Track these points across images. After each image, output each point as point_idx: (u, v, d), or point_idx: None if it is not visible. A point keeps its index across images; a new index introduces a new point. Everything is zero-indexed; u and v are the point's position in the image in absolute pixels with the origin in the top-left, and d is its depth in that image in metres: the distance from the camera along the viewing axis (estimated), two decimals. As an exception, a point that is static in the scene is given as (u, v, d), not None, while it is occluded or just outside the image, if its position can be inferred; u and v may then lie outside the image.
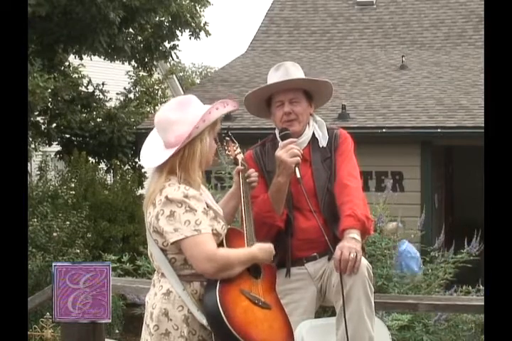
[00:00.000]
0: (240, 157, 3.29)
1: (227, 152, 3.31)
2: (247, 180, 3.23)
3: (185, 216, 2.80)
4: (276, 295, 3.06)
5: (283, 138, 3.35)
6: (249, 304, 2.86)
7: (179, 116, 2.88)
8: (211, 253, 2.78)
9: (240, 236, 3.01)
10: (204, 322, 2.80)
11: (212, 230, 2.86)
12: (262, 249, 2.97)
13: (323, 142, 3.47)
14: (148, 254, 3.01)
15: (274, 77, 3.48)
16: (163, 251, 2.87)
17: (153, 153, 2.96)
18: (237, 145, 3.33)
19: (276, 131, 3.51)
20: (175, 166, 2.88)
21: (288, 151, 3.25)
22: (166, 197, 2.82)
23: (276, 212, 3.35)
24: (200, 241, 2.78)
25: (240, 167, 3.25)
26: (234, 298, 2.82)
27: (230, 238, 2.95)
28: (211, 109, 2.90)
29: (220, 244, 2.88)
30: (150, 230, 2.89)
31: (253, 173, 3.28)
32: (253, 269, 2.95)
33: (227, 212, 3.18)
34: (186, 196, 2.82)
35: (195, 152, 2.88)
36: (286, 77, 3.43)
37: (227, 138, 3.31)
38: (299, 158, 3.26)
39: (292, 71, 3.48)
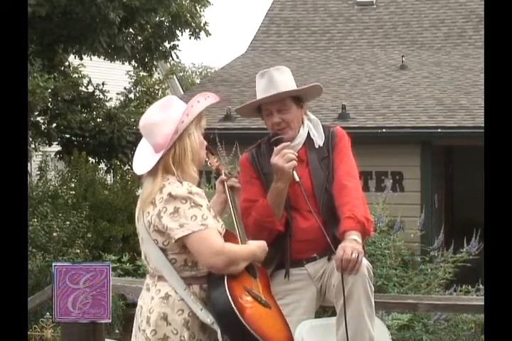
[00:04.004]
0: (221, 167, 3.32)
1: (208, 163, 3.30)
2: (233, 185, 3.28)
3: (191, 211, 2.79)
4: (272, 296, 3.07)
5: (275, 143, 3.33)
6: (254, 301, 2.88)
7: (163, 117, 2.89)
8: (220, 247, 2.78)
9: (233, 237, 3.03)
10: (208, 320, 2.79)
11: None
12: (258, 246, 2.99)
13: (319, 142, 3.44)
14: (142, 257, 2.99)
15: (258, 85, 3.45)
16: (163, 251, 2.85)
17: (143, 159, 2.96)
18: (216, 157, 3.35)
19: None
20: (169, 166, 2.87)
21: (283, 157, 3.23)
22: (169, 194, 2.81)
23: (276, 216, 3.34)
24: (208, 235, 2.78)
25: (223, 177, 3.28)
26: (241, 294, 2.83)
27: (227, 239, 2.96)
28: (192, 102, 2.91)
29: None
30: (149, 230, 2.87)
31: (234, 180, 3.31)
32: (251, 269, 2.97)
33: None
34: (190, 192, 2.81)
35: (186, 148, 2.88)
36: (270, 85, 3.38)
37: (206, 151, 3.30)
38: (295, 162, 3.24)
39: (276, 78, 3.41)
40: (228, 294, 2.76)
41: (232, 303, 2.75)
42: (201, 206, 2.81)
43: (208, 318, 2.79)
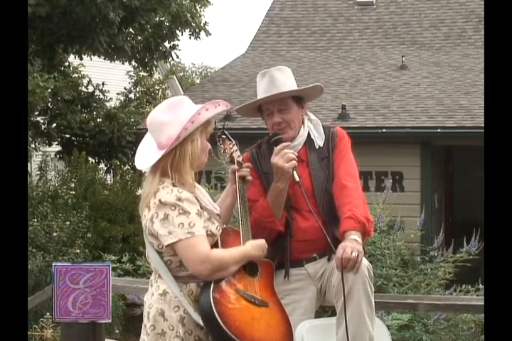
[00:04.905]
0: (235, 155, 3.29)
1: (223, 150, 3.30)
2: (244, 175, 3.24)
3: (179, 219, 2.81)
4: (274, 291, 3.07)
5: (275, 143, 3.33)
6: (245, 303, 2.88)
7: (170, 118, 2.89)
8: (205, 255, 2.80)
9: (237, 235, 3.03)
10: (201, 322, 2.82)
11: (207, 231, 2.88)
12: (255, 246, 2.99)
13: (319, 142, 3.45)
14: (146, 256, 3.04)
15: (259, 85, 3.45)
16: (159, 253, 2.89)
17: (145, 155, 2.97)
18: (234, 142, 3.33)
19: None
20: (167, 168, 2.89)
21: (283, 156, 3.23)
22: (160, 201, 2.84)
23: (276, 216, 3.35)
24: (194, 243, 2.80)
25: (235, 167, 3.26)
26: (229, 298, 2.84)
27: (227, 238, 2.97)
28: (201, 109, 2.91)
29: (215, 244, 2.90)
30: (146, 233, 2.91)
31: (246, 170, 3.27)
32: (249, 267, 2.97)
33: (224, 209, 3.20)
34: (179, 199, 2.83)
35: (186, 153, 2.89)
36: (271, 85, 3.38)
37: (223, 136, 3.31)
38: (295, 162, 3.24)
39: (278, 78, 3.41)
40: (211, 298, 2.78)
41: (214, 310, 2.76)
42: (189, 213, 2.83)
43: (200, 320, 2.84)
